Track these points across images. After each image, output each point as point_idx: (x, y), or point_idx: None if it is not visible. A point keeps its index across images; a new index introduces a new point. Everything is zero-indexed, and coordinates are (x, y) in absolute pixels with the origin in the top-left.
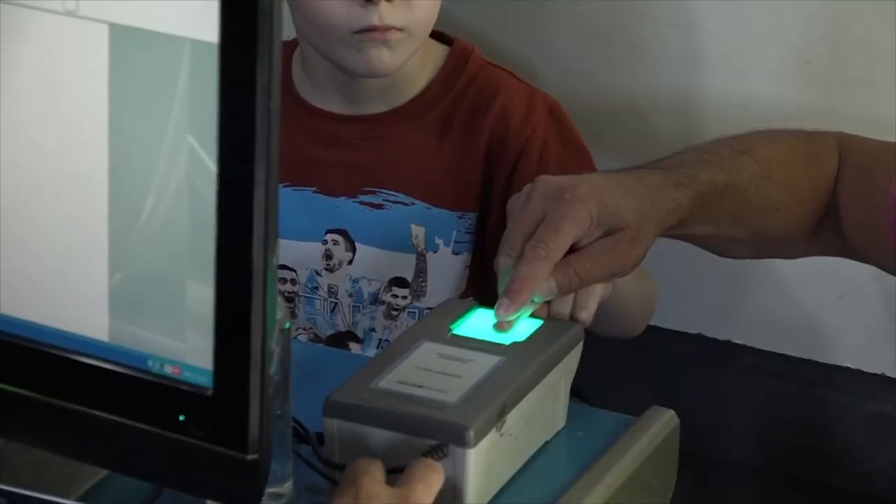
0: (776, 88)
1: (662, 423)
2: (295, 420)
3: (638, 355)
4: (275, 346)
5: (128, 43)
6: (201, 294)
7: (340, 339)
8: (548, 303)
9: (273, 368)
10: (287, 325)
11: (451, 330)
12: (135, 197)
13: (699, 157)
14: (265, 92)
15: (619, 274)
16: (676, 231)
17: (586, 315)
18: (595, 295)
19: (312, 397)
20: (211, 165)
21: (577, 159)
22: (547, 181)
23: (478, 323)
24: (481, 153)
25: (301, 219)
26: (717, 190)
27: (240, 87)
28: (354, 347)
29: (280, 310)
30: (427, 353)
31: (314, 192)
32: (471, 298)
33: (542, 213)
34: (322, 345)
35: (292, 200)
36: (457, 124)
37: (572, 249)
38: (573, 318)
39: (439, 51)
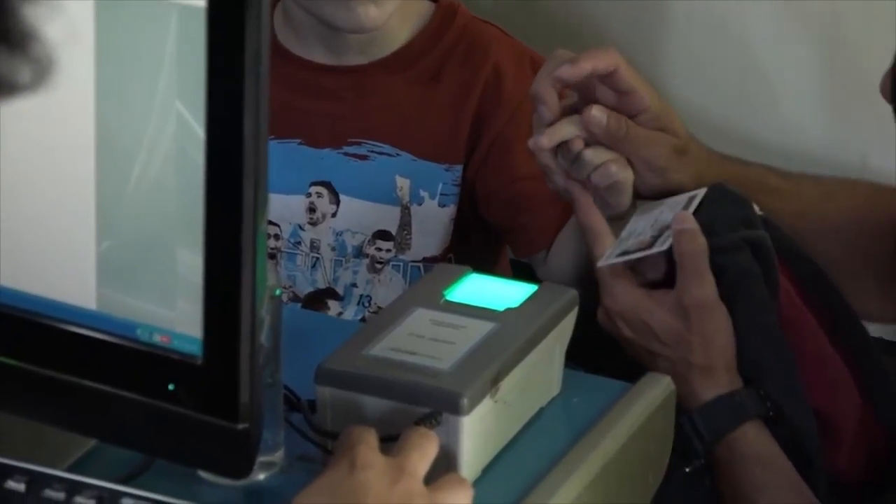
0: (772, 46)
1: (658, 389)
2: (286, 388)
3: None
4: (265, 314)
5: (114, 7)
6: (190, 261)
7: (319, 298)
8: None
9: (263, 336)
10: (277, 291)
11: (444, 296)
12: (123, 164)
13: (753, 163)
14: (254, 56)
15: (656, 170)
16: None
17: (616, 168)
18: (627, 168)
19: (304, 365)
20: (199, 132)
21: None
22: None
23: (471, 289)
24: (473, 107)
25: (286, 172)
26: (769, 188)
27: (228, 52)
28: (334, 306)
29: (270, 276)
30: (420, 319)
31: (299, 143)
32: (448, 258)
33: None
34: (312, 311)
35: (278, 153)
36: (447, 77)
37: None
38: (602, 169)
39: (423, 6)
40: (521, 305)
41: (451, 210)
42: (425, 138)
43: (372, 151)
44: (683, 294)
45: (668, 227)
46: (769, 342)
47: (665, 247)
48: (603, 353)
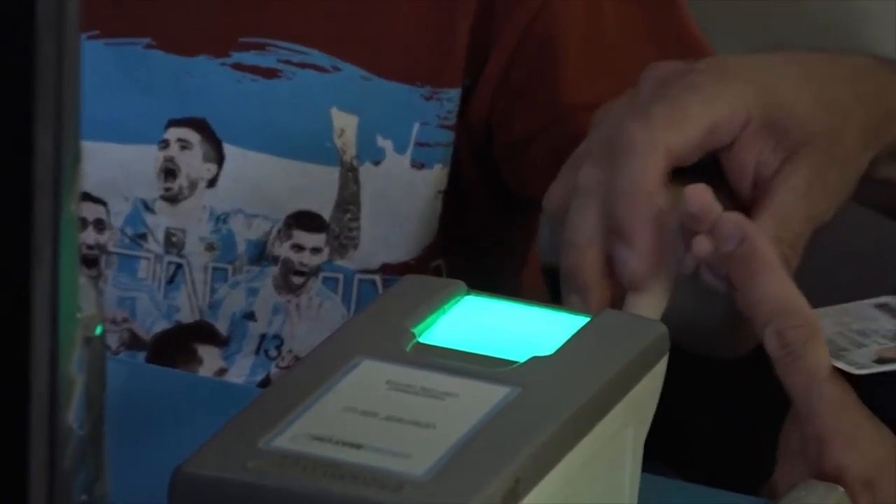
0: None
1: None
2: None
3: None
4: (76, 372)
5: None
6: None
7: (183, 341)
8: None
9: (73, 414)
10: (98, 330)
11: (414, 336)
12: None
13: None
14: None
15: (823, 218)
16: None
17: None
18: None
19: (151, 467)
20: None
21: (654, 8)
22: (668, 65)
23: (466, 321)
24: None
25: (121, 99)
26: None
27: None
28: (209, 356)
29: (85, 300)
30: (370, 380)
31: (147, 46)
32: (434, 267)
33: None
34: (170, 369)
35: (106, 64)
36: None
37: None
38: None
39: None
40: (560, 353)
41: (436, 175)
42: (388, 40)
43: (286, 62)
44: None
45: None
46: None
47: None
48: (693, 440)
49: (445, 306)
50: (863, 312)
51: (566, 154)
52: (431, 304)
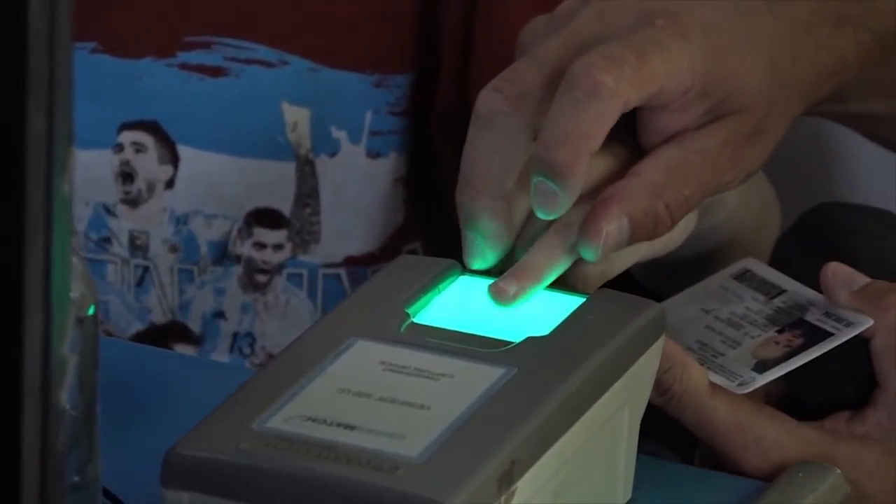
0: None
1: (821, 493)
2: (108, 493)
3: None
4: (67, 353)
5: None
6: None
7: (158, 340)
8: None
9: (65, 394)
10: (91, 309)
11: (409, 316)
12: None
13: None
14: None
15: (722, 190)
16: (830, 108)
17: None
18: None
19: (141, 445)
20: None
21: None
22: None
23: (461, 301)
24: None
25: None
26: None
27: None
28: (186, 352)
29: (79, 280)
30: (363, 361)
31: (93, 51)
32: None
33: (598, 36)
34: (164, 349)
35: None
36: None
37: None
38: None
39: None
40: (556, 333)
41: (393, 163)
42: (333, 29)
43: (232, 59)
44: None
45: (797, 306)
46: None
47: (858, 329)
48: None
49: (440, 286)
50: (726, 289)
51: None
52: (426, 283)
